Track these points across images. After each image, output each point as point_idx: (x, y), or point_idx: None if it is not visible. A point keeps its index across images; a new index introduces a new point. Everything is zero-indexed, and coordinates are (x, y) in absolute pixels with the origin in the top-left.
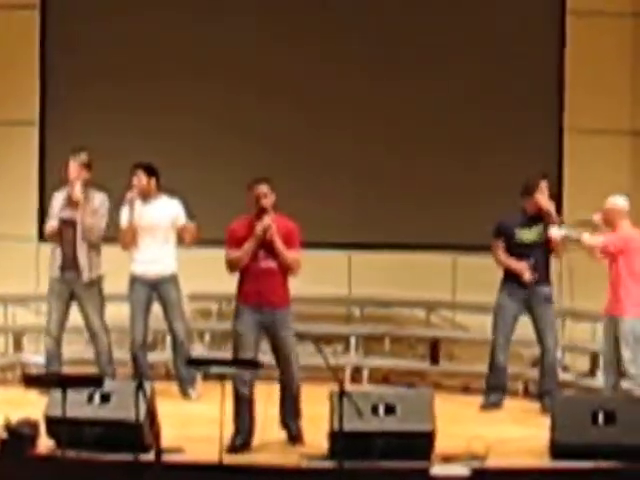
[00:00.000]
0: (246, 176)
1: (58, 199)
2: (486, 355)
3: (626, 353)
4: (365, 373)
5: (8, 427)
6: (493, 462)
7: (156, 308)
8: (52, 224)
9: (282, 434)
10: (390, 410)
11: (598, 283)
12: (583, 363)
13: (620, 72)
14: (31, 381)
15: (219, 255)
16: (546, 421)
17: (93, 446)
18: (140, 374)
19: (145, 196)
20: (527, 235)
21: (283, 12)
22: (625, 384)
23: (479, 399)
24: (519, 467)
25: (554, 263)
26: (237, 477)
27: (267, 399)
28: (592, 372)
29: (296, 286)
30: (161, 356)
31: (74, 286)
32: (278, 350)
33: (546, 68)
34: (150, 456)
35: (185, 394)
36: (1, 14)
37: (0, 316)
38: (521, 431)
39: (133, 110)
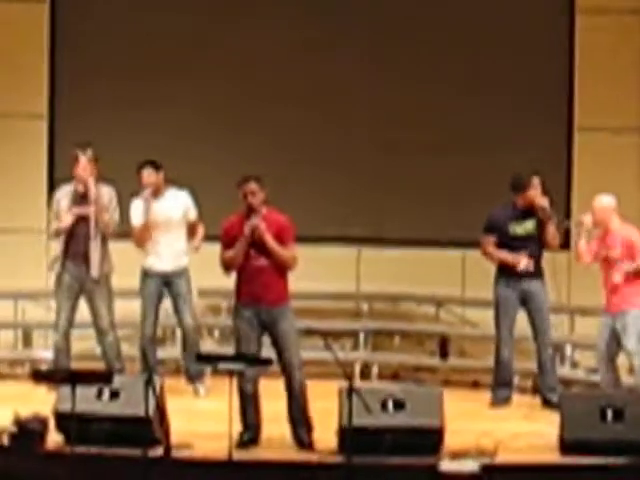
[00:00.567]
0: (254, 172)
1: (65, 194)
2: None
3: (631, 345)
4: (374, 369)
5: (17, 422)
6: (502, 458)
7: (166, 303)
8: (67, 222)
9: (289, 429)
10: (399, 406)
11: (595, 278)
12: (592, 359)
13: (629, 69)
14: (40, 377)
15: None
16: (555, 417)
17: (102, 441)
18: (149, 369)
19: (156, 191)
20: (520, 228)
21: (284, 8)
22: (632, 380)
23: (488, 395)
24: (528, 463)
25: (563, 260)
26: (246, 473)
27: (274, 396)
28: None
29: (305, 282)
30: (171, 352)
31: (84, 281)
32: (278, 347)
33: (555, 66)
34: (159, 452)
35: (193, 389)
36: (11, 8)
37: (10, 311)
38: (530, 427)
39: (141, 105)
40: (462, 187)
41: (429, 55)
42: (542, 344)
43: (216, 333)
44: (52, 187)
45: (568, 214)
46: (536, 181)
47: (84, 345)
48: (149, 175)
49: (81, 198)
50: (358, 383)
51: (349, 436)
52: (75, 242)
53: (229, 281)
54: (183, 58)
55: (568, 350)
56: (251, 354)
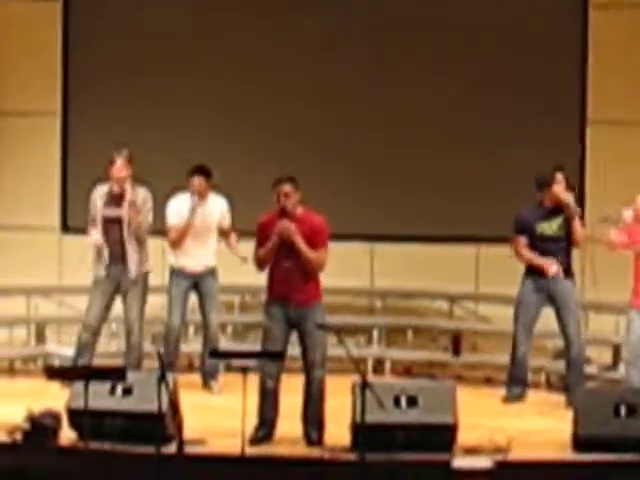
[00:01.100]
0: (271, 168)
1: (100, 196)
2: (508, 347)
3: None
4: (387, 365)
5: (31, 418)
6: (515, 454)
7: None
8: (93, 239)
9: (301, 425)
10: (412, 402)
11: (621, 275)
12: (606, 355)
13: None
14: (53, 373)
15: (243, 247)
16: (568, 413)
17: (115, 438)
18: (167, 364)
19: (200, 195)
20: (548, 228)
21: (299, 8)
22: None
23: (501, 391)
24: (541, 460)
25: (577, 255)
26: (259, 469)
27: (291, 391)
28: (615, 364)
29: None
30: (185, 348)
31: (121, 281)
32: (303, 345)
33: (569, 60)
34: (172, 448)
35: (207, 386)
36: (25, 5)
37: (22, 307)
38: (543, 423)
39: (155, 102)
40: (476, 183)
41: (442, 51)
42: (568, 343)
43: (229, 329)
44: (65, 184)
45: (582, 209)
46: (560, 177)
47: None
48: (200, 183)
49: (116, 199)
50: (371, 379)
51: (362, 432)
52: (110, 244)
53: (242, 277)
54: (195, 55)
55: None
56: (269, 350)
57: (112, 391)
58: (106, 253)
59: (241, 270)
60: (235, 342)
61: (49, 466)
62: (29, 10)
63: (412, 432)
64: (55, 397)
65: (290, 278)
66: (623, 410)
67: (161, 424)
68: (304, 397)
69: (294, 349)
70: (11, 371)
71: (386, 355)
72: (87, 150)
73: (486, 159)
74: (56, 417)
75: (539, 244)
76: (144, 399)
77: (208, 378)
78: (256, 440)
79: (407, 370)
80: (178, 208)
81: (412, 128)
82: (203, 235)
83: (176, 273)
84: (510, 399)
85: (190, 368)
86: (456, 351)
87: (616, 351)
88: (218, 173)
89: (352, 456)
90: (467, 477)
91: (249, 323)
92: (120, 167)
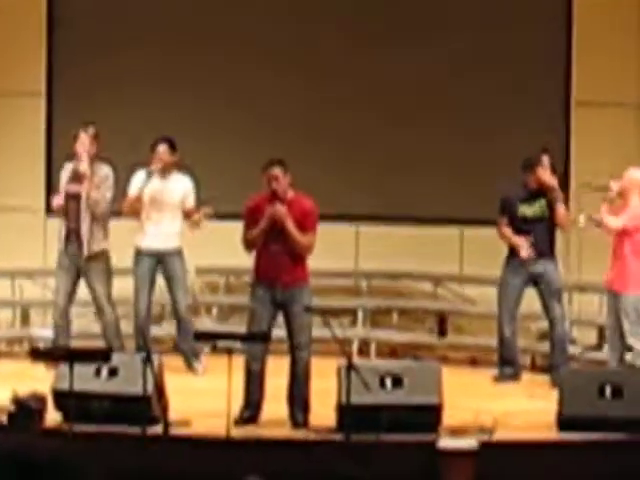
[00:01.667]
0: (253, 149)
1: (66, 171)
2: (493, 328)
3: (626, 326)
4: (373, 346)
5: (16, 400)
6: (501, 435)
7: (160, 282)
8: (59, 202)
9: (287, 407)
10: (397, 383)
11: (605, 256)
12: (590, 336)
13: (627, 44)
14: (38, 355)
15: (226, 229)
16: (554, 394)
17: (101, 419)
18: (146, 347)
19: (163, 170)
20: (529, 210)
21: None
22: (628, 357)
23: (487, 372)
24: (527, 440)
25: (562, 237)
26: (244, 450)
27: (276, 372)
28: (599, 345)
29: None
30: (169, 330)
31: (78, 260)
32: (289, 328)
33: (553, 41)
34: (158, 429)
35: (190, 368)
36: None
37: (7, 290)
38: (529, 404)
39: (140, 82)
40: (461, 165)
41: (426, 33)
42: (551, 323)
43: (214, 311)
44: (50, 165)
45: (566, 191)
46: (545, 159)
47: (83, 323)
48: (164, 152)
49: (78, 175)
50: (356, 360)
51: (347, 413)
52: (69, 220)
53: (227, 259)
54: (181, 35)
55: (567, 327)
56: (254, 331)
57: (97, 373)
58: (63, 231)
59: (225, 251)
60: (220, 323)
61: (34, 448)
62: None
63: (397, 413)
64: (40, 379)
65: (278, 260)
66: (608, 390)
67: (146, 406)
68: (289, 379)
69: (280, 331)
70: None
71: (371, 336)
72: (73, 132)
73: (471, 141)
74: (41, 399)
75: (520, 225)
76: (129, 381)
77: (190, 359)
78: (242, 421)
79: (392, 351)
80: (139, 180)
81: (396, 110)
82: (162, 211)
83: (138, 253)
84: (500, 379)
85: (175, 350)
86: (441, 332)
87: (601, 332)
88: (203, 153)
89: (338, 437)
90: (452, 457)
91: (234, 304)
92: (81, 141)
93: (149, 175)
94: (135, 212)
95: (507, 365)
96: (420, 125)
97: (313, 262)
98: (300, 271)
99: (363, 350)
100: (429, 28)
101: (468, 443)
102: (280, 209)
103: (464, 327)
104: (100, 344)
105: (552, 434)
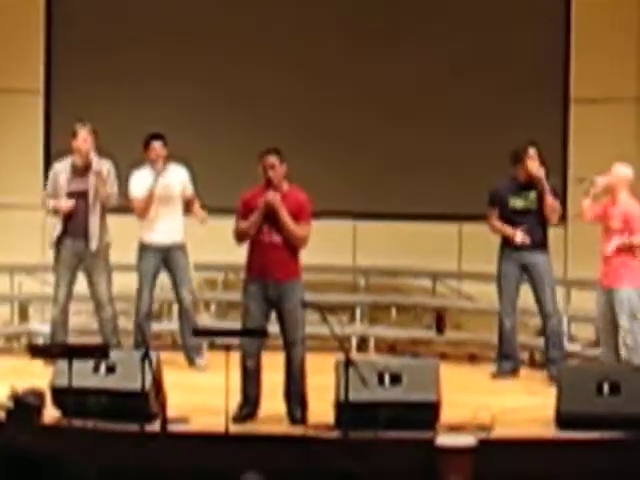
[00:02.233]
0: (252, 144)
1: (63, 168)
2: (492, 324)
3: (623, 322)
4: (371, 342)
5: (14, 397)
6: (499, 432)
7: (162, 278)
8: (68, 204)
9: (284, 404)
10: (396, 380)
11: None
12: (589, 333)
13: (625, 41)
14: (37, 351)
15: (225, 224)
16: (552, 391)
17: (99, 416)
18: (145, 343)
19: (162, 163)
20: (519, 202)
21: None
22: (624, 353)
23: (485, 368)
24: (525, 437)
25: (560, 233)
26: (243, 447)
27: (274, 369)
28: (598, 342)
29: (301, 255)
30: (168, 326)
31: (83, 255)
32: (283, 323)
33: (551, 37)
34: (156, 426)
35: (192, 363)
36: None
37: (6, 285)
38: (527, 401)
39: (138, 80)
40: (459, 161)
41: (424, 31)
42: (544, 316)
43: (213, 307)
44: (48, 162)
45: (564, 186)
46: (532, 151)
47: (81, 319)
48: (161, 147)
49: (81, 172)
50: (355, 357)
51: (346, 410)
52: (74, 217)
53: (225, 255)
54: (180, 33)
55: (565, 323)
56: (250, 328)
57: (96, 369)
58: (59, 228)
59: (224, 247)
60: (218, 319)
61: (32, 444)
62: None
63: (396, 410)
64: (39, 375)
65: (271, 254)
66: (606, 387)
67: (145, 402)
68: (285, 376)
69: (275, 327)
70: None
71: (370, 333)
72: (70, 128)
73: (469, 137)
74: (40, 395)
75: (511, 217)
76: (128, 377)
77: (192, 354)
78: (240, 418)
79: (391, 348)
80: (141, 179)
81: (396, 109)
82: (167, 206)
83: (144, 248)
84: (499, 375)
85: (174, 346)
86: (439, 329)
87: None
88: (202, 150)
89: (336, 434)
90: (450, 454)
91: (232, 300)
92: (84, 138)
93: (157, 176)
94: (146, 212)
95: (506, 359)
96: (420, 124)
97: (311, 258)
98: (293, 266)
99: (361, 346)
100: (429, 28)
101: (466, 440)
102: (274, 196)
103: (462, 323)
104: (97, 341)
105: (550, 431)
